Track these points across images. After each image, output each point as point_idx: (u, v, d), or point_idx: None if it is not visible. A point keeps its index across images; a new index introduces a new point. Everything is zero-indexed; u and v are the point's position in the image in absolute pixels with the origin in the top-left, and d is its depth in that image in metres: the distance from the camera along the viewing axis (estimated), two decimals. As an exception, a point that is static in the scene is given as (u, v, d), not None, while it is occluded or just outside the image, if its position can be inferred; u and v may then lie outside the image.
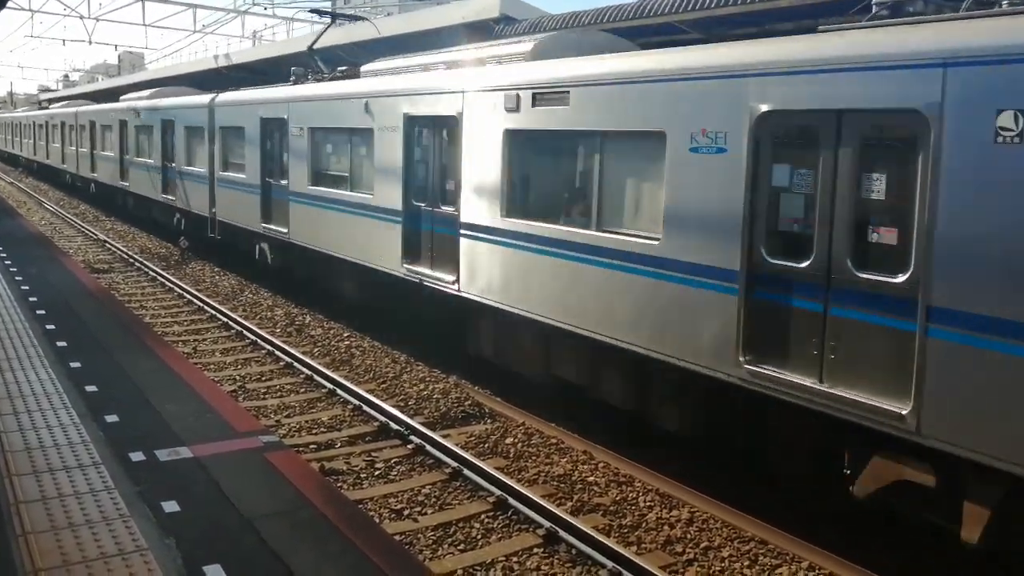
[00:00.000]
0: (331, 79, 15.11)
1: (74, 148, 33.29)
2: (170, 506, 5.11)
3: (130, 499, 5.14)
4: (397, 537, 6.83)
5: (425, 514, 7.40)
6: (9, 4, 23.69)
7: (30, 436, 6.05)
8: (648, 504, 7.66)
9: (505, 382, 10.82)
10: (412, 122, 11.16)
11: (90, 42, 33.43)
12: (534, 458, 8.70)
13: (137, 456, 5.87)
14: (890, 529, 7.23)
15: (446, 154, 10.69)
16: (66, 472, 5.47)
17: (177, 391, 7.40)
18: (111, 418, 6.58)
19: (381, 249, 11.85)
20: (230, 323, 13.98)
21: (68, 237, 24.32)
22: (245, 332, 13.36)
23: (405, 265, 11.28)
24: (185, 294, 16.32)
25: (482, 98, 9.84)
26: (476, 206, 9.96)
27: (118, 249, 21.81)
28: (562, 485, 8.03)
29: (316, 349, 12.77)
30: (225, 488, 5.42)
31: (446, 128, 10.56)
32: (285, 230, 14.96)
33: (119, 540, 4.60)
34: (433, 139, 10.97)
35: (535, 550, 6.80)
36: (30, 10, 30.65)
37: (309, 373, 11.26)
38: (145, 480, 5.47)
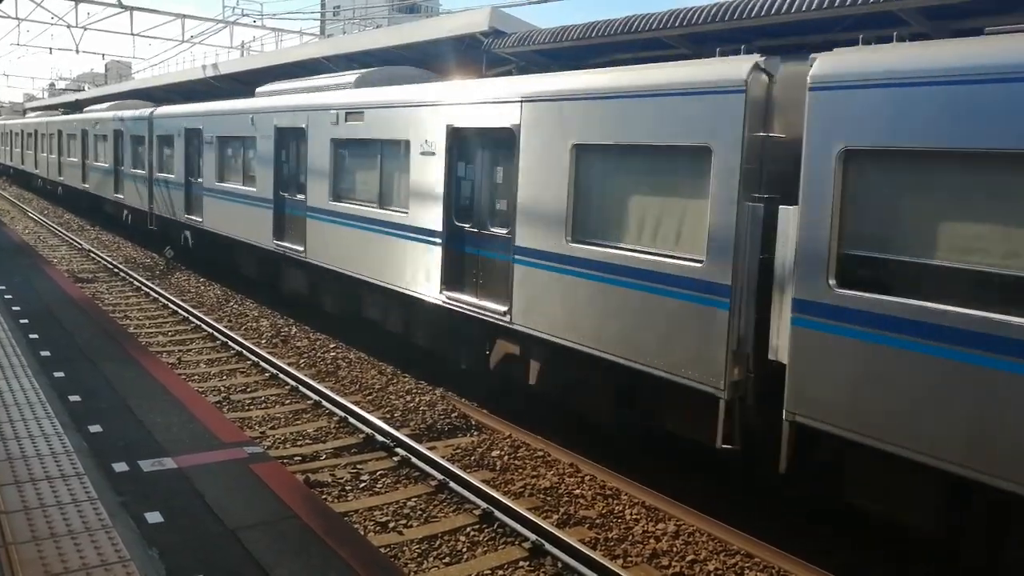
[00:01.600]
0: None
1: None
2: (154, 517, 5.07)
3: (113, 510, 5.09)
4: (382, 550, 6.80)
5: (410, 527, 7.37)
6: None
7: (12, 446, 5.99)
8: (634, 517, 7.66)
9: (492, 394, 10.81)
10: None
11: (77, 51, 33.26)
12: (520, 471, 8.69)
13: (120, 466, 5.82)
14: (882, 542, 7.25)
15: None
16: (48, 482, 5.42)
17: (161, 401, 7.36)
18: (94, 428, 6.53)
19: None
20: (215, 334, 13.91)
21: (52, 246, 24.16)
22: (230, 343, 13.30)
23: None
24: (170, 304, 16.24)
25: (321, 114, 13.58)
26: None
27: (102, 259, 21.69)
28: (548, 498, 8.02)
29: (302, 360, 12.72)
30: (209, 499, 5.39)
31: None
32: None
33: (102, 551, 4.55)
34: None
35: (521, 563, 6.79)
36: (17, 18, 30.53)
37: (295, 384, 11.21)
38: (128, 491, 5.42)
